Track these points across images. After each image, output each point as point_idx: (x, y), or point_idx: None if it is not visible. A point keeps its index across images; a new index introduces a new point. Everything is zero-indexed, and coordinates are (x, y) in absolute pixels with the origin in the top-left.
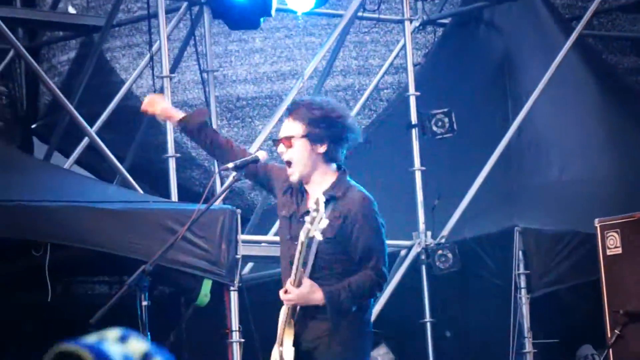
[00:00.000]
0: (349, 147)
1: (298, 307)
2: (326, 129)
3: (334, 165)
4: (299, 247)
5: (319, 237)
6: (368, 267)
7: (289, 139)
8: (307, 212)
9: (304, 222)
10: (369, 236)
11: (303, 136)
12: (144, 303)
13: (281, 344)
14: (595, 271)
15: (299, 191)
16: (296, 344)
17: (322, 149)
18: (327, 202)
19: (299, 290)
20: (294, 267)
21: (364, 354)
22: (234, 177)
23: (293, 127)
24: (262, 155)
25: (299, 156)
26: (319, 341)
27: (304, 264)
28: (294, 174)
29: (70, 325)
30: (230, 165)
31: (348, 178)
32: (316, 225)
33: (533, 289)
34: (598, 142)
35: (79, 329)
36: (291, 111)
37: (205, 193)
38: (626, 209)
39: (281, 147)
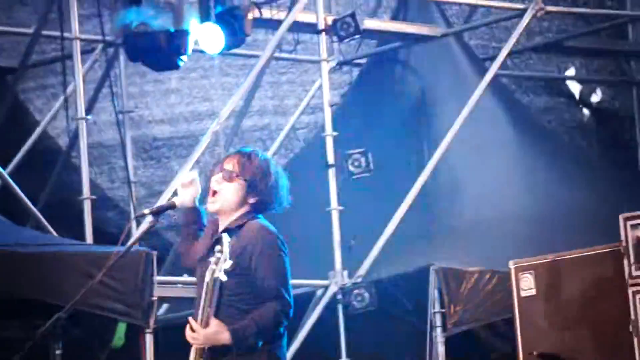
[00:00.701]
0: (271, 210)
1: (206, 348)
2: (264, 188)
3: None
4: (204, 288)
5: (223, 278)
6: (270, 298)
7: (232, 174)
8: (212, 252)
9: (208, 257)
10: (268, 265)
11: (245, 180)
12: (57, 352)
13: None
14: (511, 310)
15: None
16: None
17: (252, 200)
18: (228, 233)
19: (205, 331)
20: (200, 307)
21: None
22: (150, 222)
23: (239, 167)
24: (178, 200)
25: (230, 193)
26: None
27: (210, 304)
28: (215, 204)
29: None
30: (146, 211)
31: (254, 214)
32: (220, 265)
33: (448, 328)
34: (513, 181)
35: None
36: (243, 154)
37: (122, 237)
38: (542, 247)
39: (219, 177)
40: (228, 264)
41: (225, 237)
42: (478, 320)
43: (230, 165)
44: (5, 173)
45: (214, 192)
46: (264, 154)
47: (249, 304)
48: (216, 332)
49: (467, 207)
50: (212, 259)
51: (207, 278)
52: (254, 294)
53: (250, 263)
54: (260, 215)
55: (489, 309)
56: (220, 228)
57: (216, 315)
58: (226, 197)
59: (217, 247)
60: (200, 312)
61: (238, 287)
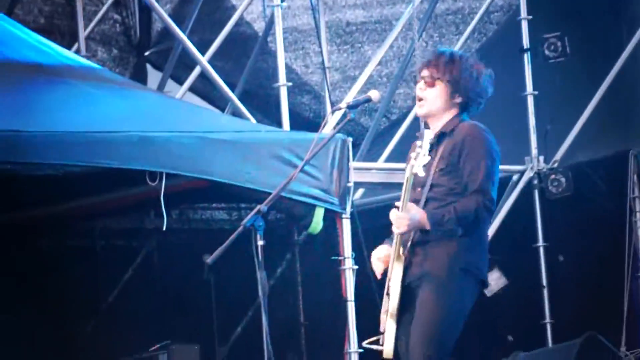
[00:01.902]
0: (479, 105)
1: (409, 243)
2: (468, 84)
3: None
4: (405, 184)
5: (420, 173)
6: (474, 191)
7: (433, 79)
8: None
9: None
10: (477, 161)
11: (447, 81)
12: (260, 243)
13: (390, 279)
14: None
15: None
16: (403, 278)
17: (458, 99)
18: (439, 139)
19: (409, 213)
20: (401, 201)
21: (460, 292)
22: (345, 116)
23: (438, 70)
24: (375, 95)
25: (434, 97)
26: (421, 279)
27: (410, 198)
28: (423, 108)
29: (190, 249)
30: (343, 104)
31: (463, 116)
32: (420, 161)
33: None
34: None
35: (197, 255)
36: (441, 56)
37: (321, 127)
38: None
39: (421, 84)
40: (425, 159)
41: (427, 133)
42: None
43: (430, 69)
44: (203, 59)
45: (420, 99)
46: (459, 51)
47: (457, 199)
48: (417, 214)
49: None
50: (412, 154)
51: (407, 174)
52: (461, 189)
53: (459, 159)
54: (467, 116)
55: None
56: (433, 132)
57: (424, 208)
58: (432, 101)
59: (418, 142)
60: (401, 204)
61: (448, 182)
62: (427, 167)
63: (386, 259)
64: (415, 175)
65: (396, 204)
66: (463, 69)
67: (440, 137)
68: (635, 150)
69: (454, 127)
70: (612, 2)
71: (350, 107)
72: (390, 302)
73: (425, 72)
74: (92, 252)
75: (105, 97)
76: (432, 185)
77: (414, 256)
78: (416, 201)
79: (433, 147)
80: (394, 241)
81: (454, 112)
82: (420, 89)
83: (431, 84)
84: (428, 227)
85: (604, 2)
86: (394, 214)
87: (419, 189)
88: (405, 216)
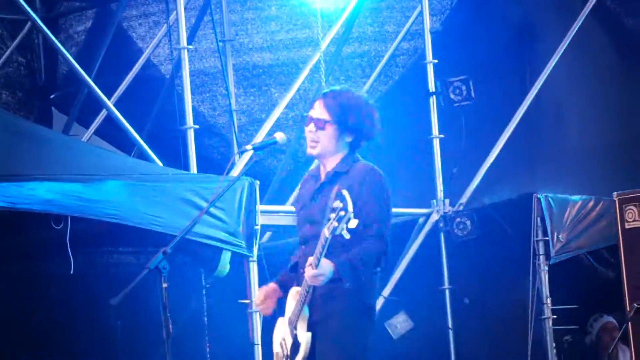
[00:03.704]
0: (370, 140)
1: (310, 290)
2: (356, 122)
3: (347, 148)
4: (321, 242)
5: (347, 235)
6: (374, 236)
7: (322, 122)
8: (319, 192)
9: (316, 200)
10: (372, 205)
11: (335, 122)
12: (164, 285)
13: (295, 327)
14: (614, 237)
15: (312, 176)
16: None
17: (348, 138)
18: (333, 178)
19: (322, 268)
20: (314, 256)
21: (363, 333)
22: (251, 157)
23: (326, 112)
24: (280, 136)
25: (327, 139)
26: (323, 322)
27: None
28: (315, 149)
29: (93, 295)
30: (249, 146)
31: (356, 154)
32: (343, 224)
33: (551, 256)
34: (617, 108)
35: (103, 300)
36: (326, 97)
37: (227, 169)
38: None
39: (312, 127)
40: (354, 223)
41: (347, 193)
42: (582, 248)
43: (318, 112)
44: (110, 102)
45: (313, 141)
46: (344, 87)
47: (352, 241)
48: (330, 269)
49: (570, 133)
50: (332, 215)
51: (327, 233)
52: (357, 233)
53: (356, 202)
54: (358, 155)
55: (593, 236)
56: (323, 172)
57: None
58: (323, 144)
59: (337, 203)
60: (315, 257)
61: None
62: (319, 206)
63: (273, 297)
64: (336, 236)
65: (310, 259)
66: (350, 108)
67: (333, 176)
68: (539, 193)
69: (349, 167)
70: (514, 44)
71: (256, 148)
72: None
73: (314, 114)
74: None
75: (10, 140)
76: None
77: (317, 301)
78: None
79: (325, 186)
80: (303, 293)
81: (345, 151)
82: (310, 131)
83: (321, 126)
84: (338, 276)
85: (508, 46)
86: (308, 272)
87: (306, 226)
88: (321, 273)
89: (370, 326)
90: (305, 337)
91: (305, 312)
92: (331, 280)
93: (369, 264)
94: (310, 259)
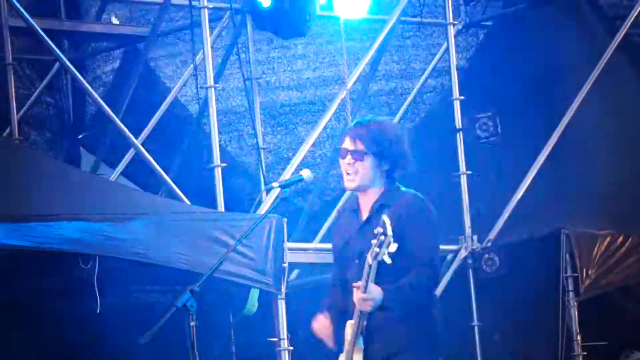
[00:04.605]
0: (407, 168)
1: (364, 319)
2: (391, 149)
3: (384, 177)
4: (366, 269)
5: (387, 260)
6: (423, 265)
7: (360, 153)
8: (367, 225)
9: (364, 235)
10: (424, 234)
11: (372, 152)
12: (192, 323)
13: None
14: None
15: (351, 210)
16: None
17: (385, 166)
18: (379, 210)
19: (372, 293)
20: (362, 281)
21: None
22: (278, 195)
23: (361, 143)
24: (307, 173)
25: (365, 170)
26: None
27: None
28: (354, 182)
29: (121, 335)
30: (276, 184)
31: (397, 184)
32: (384, 249)
33: (580, 292)
34: None
35: (131, 339)
36: (358, 127)
37: (254, 206)
38: None
39: (349, 159)
40: (394, 247)
41: (387, 219)
42: (611, 284)
43: (351, 144)
44: (137, 141)
45: (348, 172)
46: (372, 117)
47: (402, 272)
48: (379, 295)
49: (598, 169)
50: (374, 242)
51: (370, 260)
52: (406, 262)
53: (404, 232)
54: (400, 184)
55: (622, 272)
56: (364, 205)
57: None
58: (362, 175)
59: (379, 229)
60: (362, 284)
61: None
62: (366, 238)
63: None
64: (380, 263)
65: (355, 285)
66: (384, 135)
67: (379, 208)
68: (567, 229)
69: (393, 198)
70: (541, 80)
71: (282, 185)
72: None
73: (350, 146)
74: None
75: (39, 180)
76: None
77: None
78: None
79: (372, 219)
80: (355, 323)
81: (383, 181)
82: (348, 163)
83: (359, 158)
84: (385, 303)
85: (534, 82)
86: (357, 295)
87: (355, 261)
88: (369, 297)
89: None
90: None
91: (360, 343)
92: (380, 307)
93: (419, 291)
94: (358, 283)
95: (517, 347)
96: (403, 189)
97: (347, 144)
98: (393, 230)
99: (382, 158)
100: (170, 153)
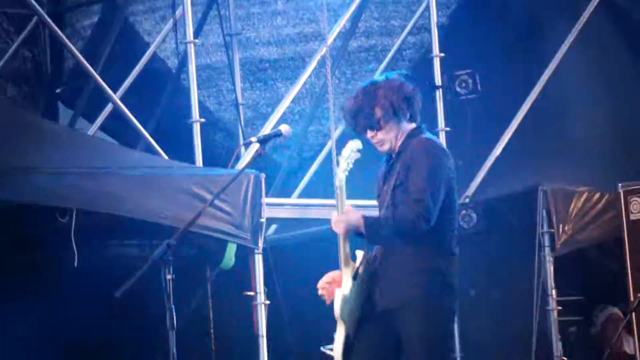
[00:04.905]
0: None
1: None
2: (405, 103)
3: (413, 124)
4: (336, 192)
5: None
6: (413, 200)
7: (379, 123)
8: (391, 170)
9: (386, 180)
10: (419, 171)
11: (390, 118)
12: (169, 277)
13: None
14: (620, 230)
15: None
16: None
17: (405, 120)
18: (396, 158)
19: (345, 215)
20: (338, 206)
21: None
22: (257, 150)
23: (379, 112)
24: (285, 128)
25: (390, 134)
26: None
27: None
28: (384, 146)
29: (97, 288)
30: (254, 139)
31: (420, 128)
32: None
33: (556, 248)
34: (623, 101)
35: (107, 292)
36: (368, 92)
37: (231, 161)
38: None
39: (369, 133)
40: (343, 166)
41: (352, 144)
42: (587, 240)
43: (369, 114)
44: (115, 96)
45: (377, 143)
46: (373, 78)
47: None
48: (353, 217)
49: (576, 127)
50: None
51: (337, 182)
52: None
53: (408, 172)
54: (425, 132)
55: (598, 229)
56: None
57: None
58: (388, 138)
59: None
60: (338, 208)
61: (402, 196)
62: (387, 185)
63: (335, 280)
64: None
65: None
66: (391, 94)
67: (396, 156)
68: (544, 185)
69: (409, 143)
70: (521, 38)
71: (261, 141)
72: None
73: (366, 119)
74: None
75: (16, 134)
76: (393, 204)
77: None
78: None
79: (391, 168)
80: (341, 247)
81: (406, 126)
82: (372, 136)
83: (380, 127)
84: (363, 229)
85: (515, 40)
86: (333, 216)
87: (382, 211)
88: (342, 218)
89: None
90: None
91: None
92: (357, 233)
93: (400, 224)
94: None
95: (493, 302)
96: (422, 134)
97: (359, 119)
98: (402, 173)
99: (399, 115)
100: (149, 108)
